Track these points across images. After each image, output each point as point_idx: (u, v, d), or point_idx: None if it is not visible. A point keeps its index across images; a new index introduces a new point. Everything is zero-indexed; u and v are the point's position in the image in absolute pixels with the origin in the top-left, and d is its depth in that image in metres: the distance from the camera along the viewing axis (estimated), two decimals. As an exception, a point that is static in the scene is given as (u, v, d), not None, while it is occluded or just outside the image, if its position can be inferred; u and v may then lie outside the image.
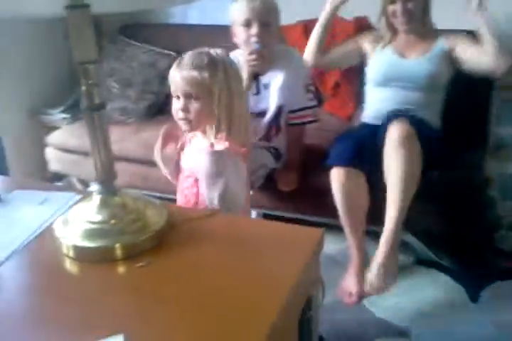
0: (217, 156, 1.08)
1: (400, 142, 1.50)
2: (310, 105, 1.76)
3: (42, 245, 0.86)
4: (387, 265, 1.56)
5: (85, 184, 2.29)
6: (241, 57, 1.65)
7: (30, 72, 2.35)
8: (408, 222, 1.79)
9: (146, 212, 0.87)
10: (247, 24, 1.59)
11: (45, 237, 0.86)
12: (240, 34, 1.62)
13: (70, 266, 0.82)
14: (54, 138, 2.26)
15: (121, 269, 0.81)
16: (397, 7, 1.75)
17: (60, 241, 0.82)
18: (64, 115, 2.35)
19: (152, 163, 1.41)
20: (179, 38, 2.46)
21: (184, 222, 0.90)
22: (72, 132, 2.18)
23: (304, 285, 0.79)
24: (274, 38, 1.65)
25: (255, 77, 1.60)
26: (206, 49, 1.17)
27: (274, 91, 1.68)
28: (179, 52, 2.41)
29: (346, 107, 2.19)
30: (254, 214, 2.11)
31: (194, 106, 1.14)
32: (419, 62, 1.79)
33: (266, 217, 2.05)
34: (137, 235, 0.83)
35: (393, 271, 1.59)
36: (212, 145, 1.13)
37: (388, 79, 1.82)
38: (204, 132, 1.18)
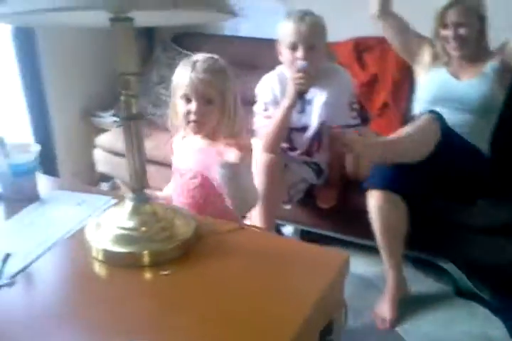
0: (231, 168, 1.08)
1: (418, 123, 1.51)
2: (353, 123, 1.74)
3: (73, 246, 0.89)
4: None
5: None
6: (287, 73, 1.66)
7: (84, 75, 2.45)
8: (450, 250, 1.74)
9: (175, 221, 0.89)
10: (293, 47, 1.59)
11: (78, 238, 0.89)
12: (285, 55, 1.63)
13: (98, 268, 0.84)
14: (103, 140, 2.33)
15: (147, 275, 0.83)
16: (449, 32, 1.71)
17: (91, 244, 0.85)
18: (114, 118, 2.41)
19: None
20: (229, 49, 2.49)
21: (211, 234, 0.91)
22: (121, 135, 2.23)
23: (324, 307, 0.78)
24: (320, 58, 1.64)
25: (301, 95, 1.58)
26: (209, 54, 1.20)
27: (317, 107, 1.68)
28: (229, 63, 2.48)
29: (393, 127, 2.14)
30: (291, 229, 2.11)
31: (208, 108, 1.16)
32: (471, 83, 1.74)
33: (304, 233, 2.04)
34: (165, 243, 0.84)
35: None
36: (220, 152, 1.16)
37: (438, 99, 1.77)
38: (206, 134, 1.21)
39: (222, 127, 1.19)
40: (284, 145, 1.76)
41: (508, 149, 1.77)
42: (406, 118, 2.02)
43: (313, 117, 1.70)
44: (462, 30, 1.69)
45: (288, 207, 1.86)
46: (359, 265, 1.88)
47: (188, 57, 1.20)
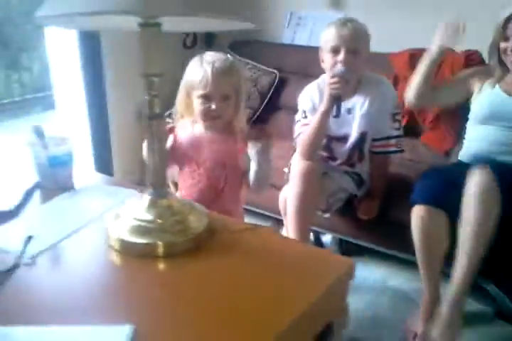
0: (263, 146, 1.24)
1: (478, 197, 1.42)
2: (394, 134, 1.71)
3: (93, 234, 0.95)
4: (451, 323, 1.44)
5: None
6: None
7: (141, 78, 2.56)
8: (492, 271, 1.66)
9: (189, 216, 0.92)
10: (335, 50, 1.59)
11: (98, 227, 0.95)
12: (327, 60, 1.63)
13: (114, 257, 0.89)
14: (153, 140, 2.43)
15: (159, 266, 0.87)
16: (509, 45, 1.65)
17: (109, 234, 0.90)
18: (168, 119, 2.51)
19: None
20: (284, 58, 2.54)
21: (225, 231, 0.94)
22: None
23: (322, 310, 0.79)
24: (361, 65, 1.62)
25: (336, 99, 1.57)
26: (220, 53, 1.28)
27: (357, 116, 1.67)
28: (282, 71, 2.51)
29: (444, 142, 2.09)
30: (329, 237, 2.10)
31: (225, 104, 1.25)
32: (526, 101, 1.66)
33: (343, 243, 2.02)
34: (178, 236, 0.88)
35: (457, 328, 1.47)
36: (239, 141, 1.29)
37: (491, 117, 1.71)
38: (221, 126, 1.31)
39: (235, 120, 1.29)
40: (324, 154, 1.77)
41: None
42: (459, 135, 1.95)
43: (354, 126, 1.69)
44: None
45: (327, 215, 1.85)
46: (398, 278, 1.86)
47: (200, 56, 1.27)
